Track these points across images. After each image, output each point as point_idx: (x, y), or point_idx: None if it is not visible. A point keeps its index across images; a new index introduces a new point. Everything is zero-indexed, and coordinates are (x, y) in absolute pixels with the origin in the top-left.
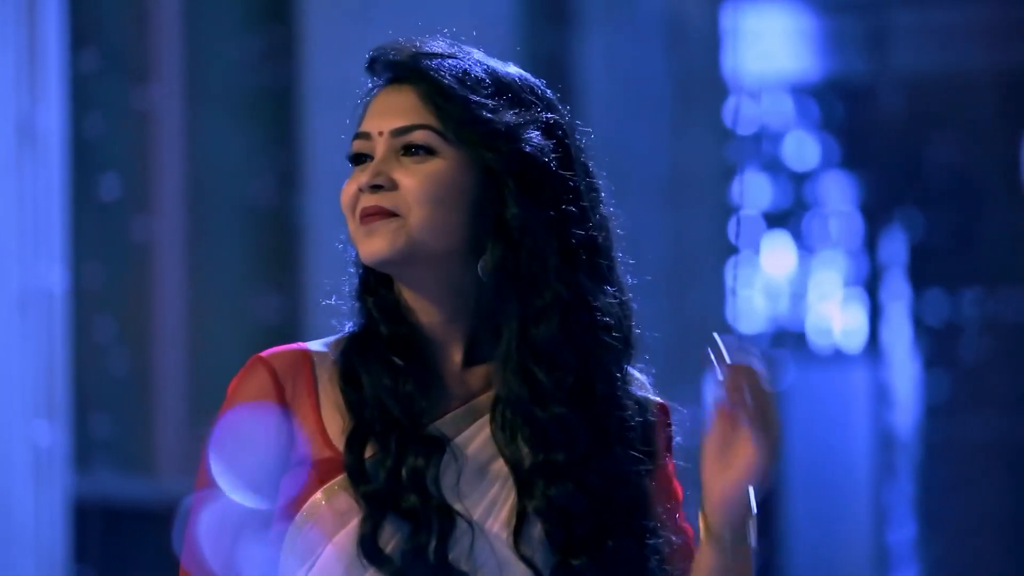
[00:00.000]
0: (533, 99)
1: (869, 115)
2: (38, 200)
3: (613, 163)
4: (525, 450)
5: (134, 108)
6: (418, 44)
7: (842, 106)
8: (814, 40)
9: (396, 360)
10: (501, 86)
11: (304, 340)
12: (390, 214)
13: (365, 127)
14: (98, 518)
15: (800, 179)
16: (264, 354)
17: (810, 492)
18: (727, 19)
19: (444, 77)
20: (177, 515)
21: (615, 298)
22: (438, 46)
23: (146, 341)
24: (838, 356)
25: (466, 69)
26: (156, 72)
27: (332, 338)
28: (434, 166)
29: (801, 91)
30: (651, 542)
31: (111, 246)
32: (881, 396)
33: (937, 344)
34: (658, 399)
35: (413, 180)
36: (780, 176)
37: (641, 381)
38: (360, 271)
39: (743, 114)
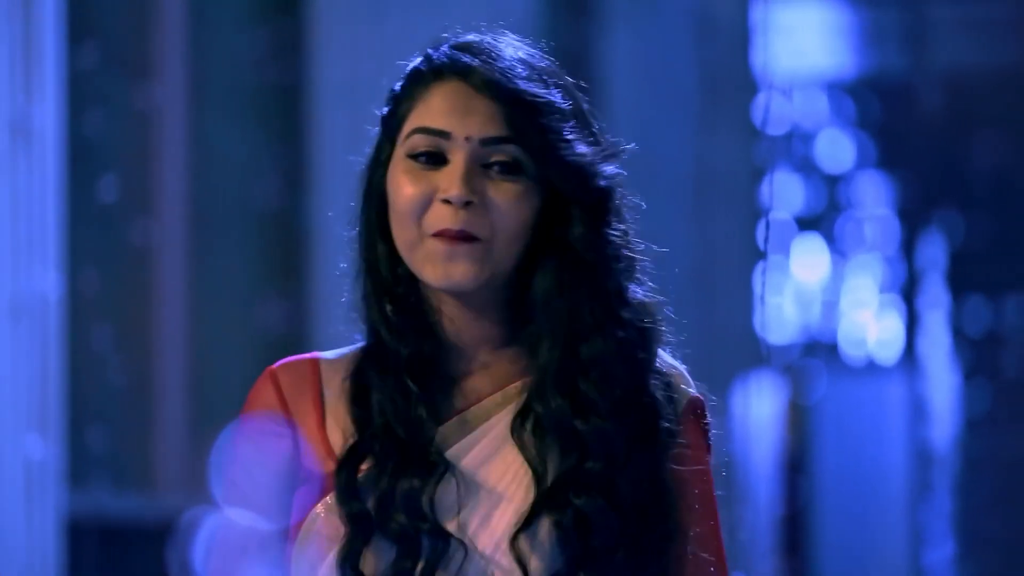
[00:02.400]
0: (595, 119)
1: (907, 113)
2: (33, 202)
3: (636, 163)
4: (555, 458)
5: (134, 106)
6: (492, 48)
7: (878, 104)
8: (849, 35)
9: (411, 385)
10: (575, 108)
11: (311, 349)
12: (474, 239)
13: (444, 125)
14: (94, 536)
15: (833, 181)
16: (274, 366)
17: (843, 509)
18: (757, 13)
19: (526, 96)
20: (176, 533)
21: (650, 299)
22: (510, 52)
23: (145, 350)
24: (873, 367)
25: (545, 91)
26: (157, 68)
27: (347, 349)
28: (521, 187)
29: (835, 88)
30: (665, 558)
31: (109, 250)
32: (918, 409)
33: (977, 354)
34: (692, 392)
35: (506, 201)
36: (812, 177)
37: (679, 373)
38: (383, 279)
39: (774, 112)
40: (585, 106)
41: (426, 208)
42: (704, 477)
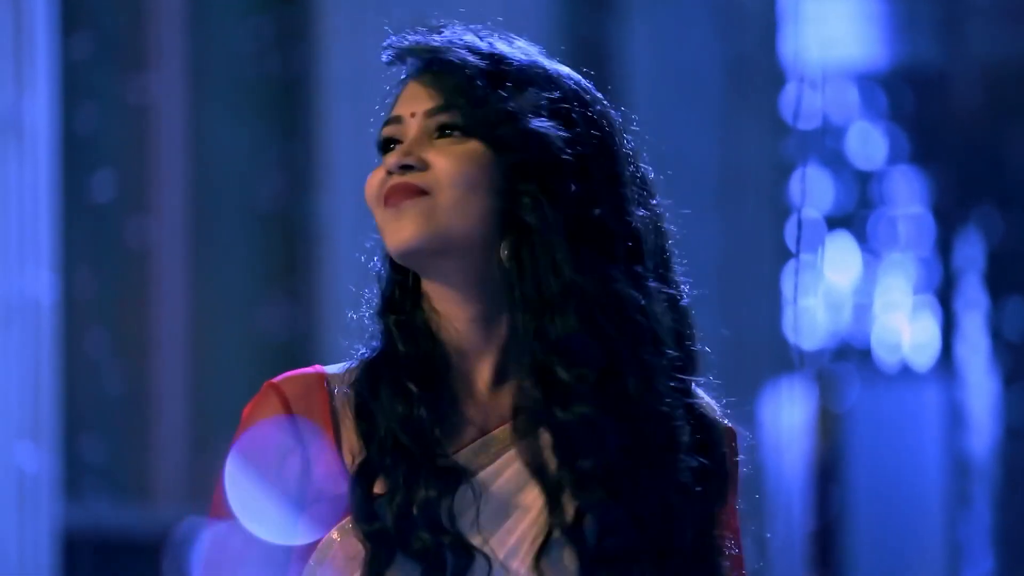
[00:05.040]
0: (560, 87)
1: (942, 106)
2: (25, 201)
3: (658, 159)
4: (551, 461)
5: (130, 100)
6: (439, 32)
7: (912, 96)
8: (882, 23)
9: (410, 385)
10: (525, 74)
11: (317, 355)
12: (418, 192)
13: (398, 110)
14: (89, 551)
15: (866, 177)
16: (276, 379)
17: (876, 523)
18: (786, 0)
19: (456, 64)
20: (173, 545)
21: (665, 297)
22: (458, 34)
23: (143, 355)
24: (907, 373)
25: (479, 59)
26: (154, 60)
27: (352, 362)
28: (469, 147)
29: (867, 79)
30: (703, 567)
31: (105, 251)
32: (955, 417)
33: (1017, 359)
34: (726, 423)
35: (446, 160)
36: (844, 173)
37: (709, 404)
38: (385, 287)
39: (803, 105)
40: (553, 71)
41: (382, 188)
42: (730, 513)
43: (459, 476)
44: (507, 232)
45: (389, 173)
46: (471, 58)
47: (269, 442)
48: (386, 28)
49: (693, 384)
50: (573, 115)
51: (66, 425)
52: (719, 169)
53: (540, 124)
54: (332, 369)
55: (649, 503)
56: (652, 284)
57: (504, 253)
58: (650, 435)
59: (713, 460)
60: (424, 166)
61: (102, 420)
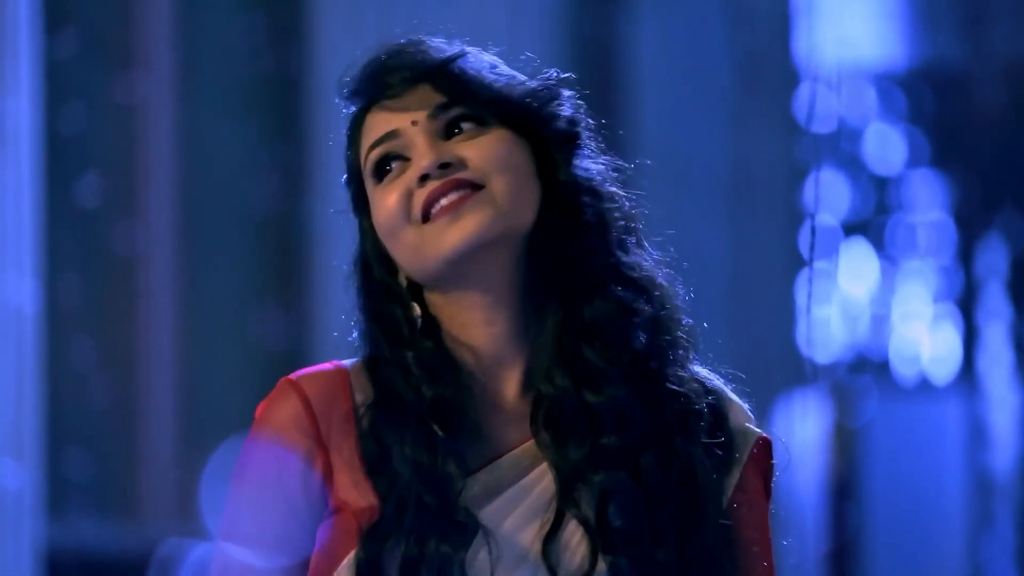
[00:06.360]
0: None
1: (964, 107)
2: (7, 205)
3: (667, 161)
4: (573, 449)
5: (117, 100)
6: (415, 45)
7: (933, 97)
8: (901, 20)
9: (437, 431)
10: (511, 70)
11: (312, 364)
12: (470, 187)
13: (387, 127)
14: (74, 571)
15: (883, 181)
16: (294, 376)
17: (895, 543)
18: None
19: (457, 66)
20: (158, 566)
21: (659, 274)
22: (434, 42)
23: (130, 367)
24: (927, 386)
25: (475, 60)
26: (143, 58)
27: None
28: (493, 134)
29: (885, 79)
30: (715, 559)
31: (91, 257)
32: (977, 433)
33: None
34: (760, 432)
35: (483, 149)
36: (860, 178)
37: (742, 409)
38: (394, 322)
39: (818, 106)
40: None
41: (409, 203)
42: (760, 525)
43: (476, 529)
44: (545, 216)
45: (423, 179)
46: (448, 54)
47: (284, 449)
48: (382, 27)
49: (711, 372)
50: (560, 87)
51: (49, 440)
52: (730, 172)
53: (546, 99)
54: (350, 364)
55: (668, 485)
56: (647, 262)
57: (540, 235)
58: (669, 414)
59: (723, 444)
60: (461, 162)
61: (87, 434)
